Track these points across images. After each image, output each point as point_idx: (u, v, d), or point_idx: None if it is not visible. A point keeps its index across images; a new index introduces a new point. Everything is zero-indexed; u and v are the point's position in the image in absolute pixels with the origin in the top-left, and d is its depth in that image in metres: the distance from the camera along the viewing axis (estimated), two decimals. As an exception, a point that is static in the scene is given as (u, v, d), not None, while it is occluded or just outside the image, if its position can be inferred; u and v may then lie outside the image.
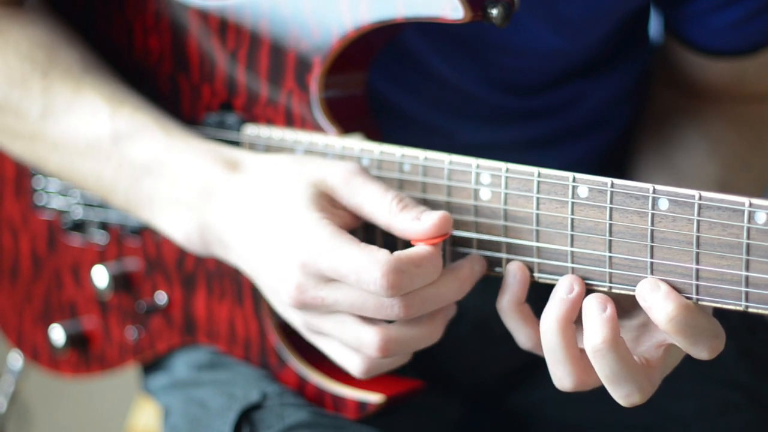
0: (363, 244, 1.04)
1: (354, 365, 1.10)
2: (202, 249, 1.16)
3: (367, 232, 1.12)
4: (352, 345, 1.08)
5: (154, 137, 1.18)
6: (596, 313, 0.98)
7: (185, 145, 1.17)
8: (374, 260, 1.03)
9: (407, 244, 1.07)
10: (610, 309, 0.98)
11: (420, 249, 1.05)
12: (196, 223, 1.15)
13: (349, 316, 1.07)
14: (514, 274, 1.06)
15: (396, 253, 1.04)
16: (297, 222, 1.07)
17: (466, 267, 1.08)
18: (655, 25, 1.38)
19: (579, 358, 1.01)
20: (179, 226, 1.16)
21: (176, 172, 1.16)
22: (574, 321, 1.02)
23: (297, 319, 1.12)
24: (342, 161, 1.11)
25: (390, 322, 1.08)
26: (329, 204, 1.09)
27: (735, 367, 1.28)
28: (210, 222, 1.14)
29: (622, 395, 1.00)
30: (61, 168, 1.24)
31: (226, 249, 1.14)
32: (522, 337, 1.07)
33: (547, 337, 1.02)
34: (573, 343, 1.01)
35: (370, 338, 1.07)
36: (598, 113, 1.33)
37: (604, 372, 0.99)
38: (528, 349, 1.08)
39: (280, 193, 1.09)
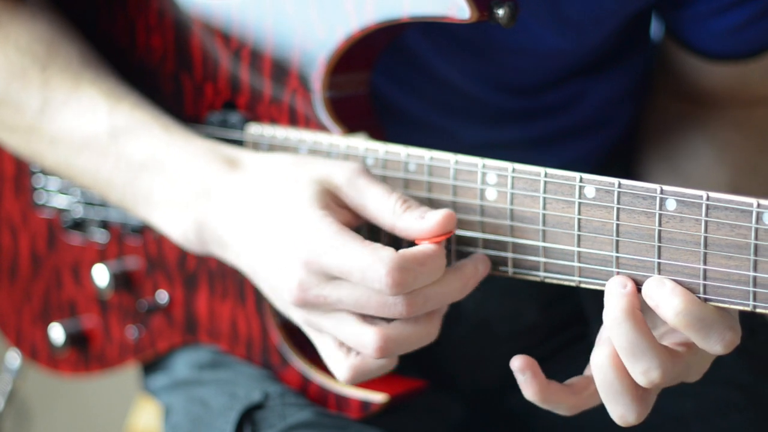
0: (367, 242, 1.04)
1: (341, 369, 1.09)
2: (199, 248, 1.16)
3: (371, 232, 1.12)
4: (352, 344, 1.07)
5: (153, 134, 1.18)
6: (617, 289, 0.99)
7: (184, 142, 1.17)
8: (379, 258, 1.02)
9: (412, 244, 1.07)
10: (630, 286, 0.99)
11: (424, 247, 1.05)
12: (193, 222, 1.14)
13: (349, 315, 1.07)
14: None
15: (401, 251, 1.03)
16: (300, 219, 1.06)
17: (470, 267, 1.07)
18: (656, 31, 1.38)
19: (640, 393, 1.01)
20: (177, 224, 1.16)
21: (175, 170, 1.15)
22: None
23: (298, 317, 1.11)
24: (345, 161, 1.11)
25: (388, 321, 1.07)
26: (333, 201, 1.08)
27: (735, 367, 1.28)
28: (208, 220, 1.13)
29: (641, 370, 0.98)
30: (58, 163, 1.24)
31: (223, 248, 1.13)
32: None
33: (601, 375, 1.01)
34: (630, 379, 1.00)
35: (369, 338, 1.06)
36: (599, 112, 1.33)
37: (620, 342, 0.98)
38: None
39: (282, 191, 1.09)
